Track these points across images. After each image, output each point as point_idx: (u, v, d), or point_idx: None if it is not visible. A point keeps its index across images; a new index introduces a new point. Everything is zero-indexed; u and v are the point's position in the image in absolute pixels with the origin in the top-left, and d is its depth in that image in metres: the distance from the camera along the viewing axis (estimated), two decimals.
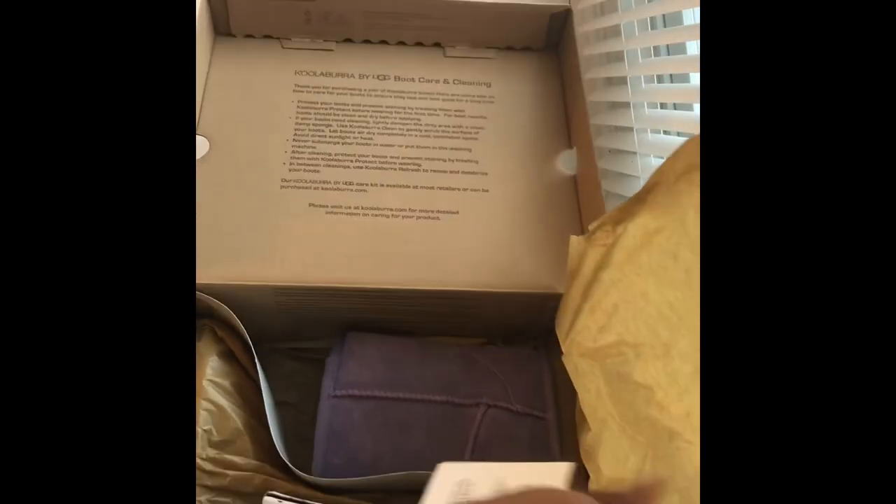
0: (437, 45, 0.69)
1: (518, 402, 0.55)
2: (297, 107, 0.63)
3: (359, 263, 0.55)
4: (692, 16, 0.65)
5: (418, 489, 0.52)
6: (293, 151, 0.61)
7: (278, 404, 0.59)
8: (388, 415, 0.54)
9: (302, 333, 0.61)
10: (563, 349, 0.55)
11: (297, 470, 0.51)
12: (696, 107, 0.63)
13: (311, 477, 0.51)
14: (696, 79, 0.64)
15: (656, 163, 0.68)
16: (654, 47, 0.69)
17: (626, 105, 0.67)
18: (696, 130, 0.56)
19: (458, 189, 0.60)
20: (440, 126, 0.64)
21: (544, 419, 0.55)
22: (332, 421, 0.54)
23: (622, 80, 0.67)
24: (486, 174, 0.61)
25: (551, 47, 0.70)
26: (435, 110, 0.65)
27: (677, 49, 0.68)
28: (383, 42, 0.69)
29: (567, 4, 0.67)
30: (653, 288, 0.48)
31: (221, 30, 0.67)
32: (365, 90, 0.65)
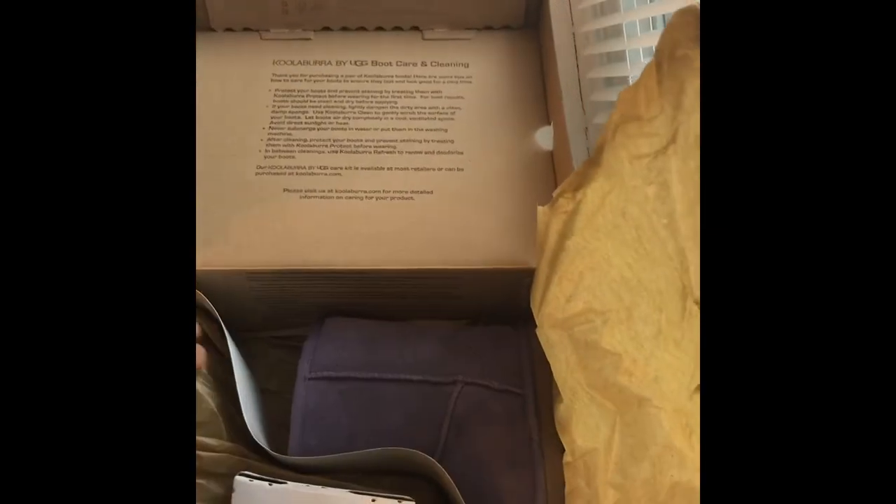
0: (416, 28, 0.69)
1: (495, 379, 0.55)
2: (274, 96, 0.64)
3: (330, 246, 0.55)
4: None
5: (392, 467, 0.52)
6: (269, 139, 0.61)
7: (262, 392, 0.59)
8: (364, 395, 0.54)
9: (282, 320, 0.61)
10: (537, 322, 0.54)
11: (270, 450, 0.51)
12: None
13: (285, 457, 0.51)
14: None
15: None
16: (654, 47, 0.68)
17: None
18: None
19: (433, 169, 0.60)
20: (416, 108, 0.64)
21: (522, 395, 0.55)
22: (308, 402, 0.54)
23: (623, 80, 0.66)
24: (462, 153, 0.61)
25: (530, 25, 0.69)
26: (412, 93, 0.65)
27: None
28: (361, 28, 0.69)
29: None
30: (612, 250, 0.47)
31: (202, 25, 0.68)
32: (342, 76, 0.65)
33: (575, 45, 0.66)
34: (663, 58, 0.42)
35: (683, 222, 0.40)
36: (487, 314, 0.61)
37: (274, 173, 0.59)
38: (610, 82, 0.68)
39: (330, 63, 0.66)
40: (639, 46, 0.67)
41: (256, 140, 0.61)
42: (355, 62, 0.67)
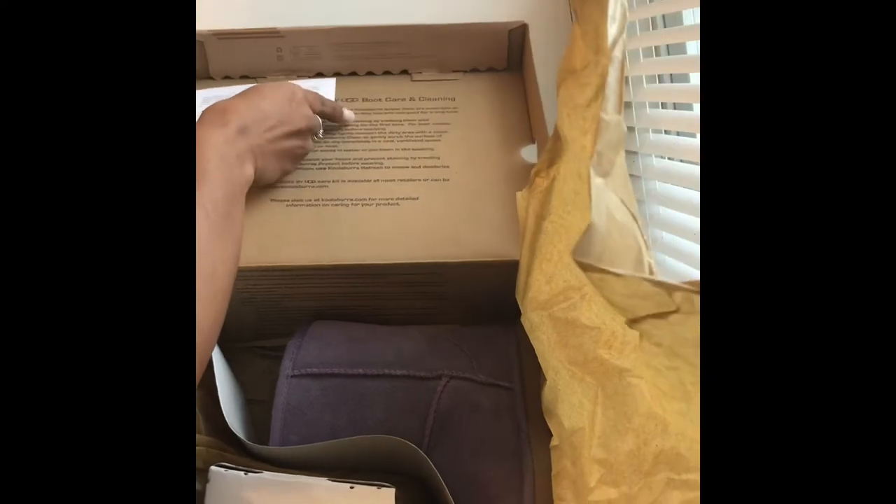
0: (405, 72, 0.72)
1: (482, 374, 0.53)
2: None
3: (317, 246, 0.55)
4: (692, 16, 0.66)
5: (373, 463, 0.49)
6: None
7: (249, 402, 0.57)
8: (346, 390, 0.52)
9: (269, 329, 0.60)
10: (521, 310, 0.53)
11: (248, 442, 0.49)
12: (696, 107, 0.63)
13: (264, 447, 0.48)
14: (695, 79, 0.65)
15: (658, 162, 0.69)
16: (655, 47, 0.70)
17: (627, 105, 0.68)
18: (697, 130, 0.57)
19: (419, 180, 0.61)
20: (404, 133, 0.65)
21: (510, 388, 0.52)
22: (290, 399, 0.52)
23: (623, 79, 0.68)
24: (448, 167, 0.62)
25: (514, 67, 0.73)
26: (400, 121, 0.67)
27: (677, 49, 0.69)
28: (353, 74, 0.72)
29: (523, 20, 0.70)
30: (580, 220, 0.46)
31: (201, 73, 0.71)
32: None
33: None
34: (576, 4, 0.44)
35: (586, 175, 0.41)
36: (475, 316, 0.59)
37: (260, 187, 0.60)
38: None
39: None
40: (638, 46, 0.69)
41: None
42: (346, 99, 0.69)
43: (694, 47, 0.64)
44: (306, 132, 0.58)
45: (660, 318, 0.37)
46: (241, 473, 0.46)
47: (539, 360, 0.51)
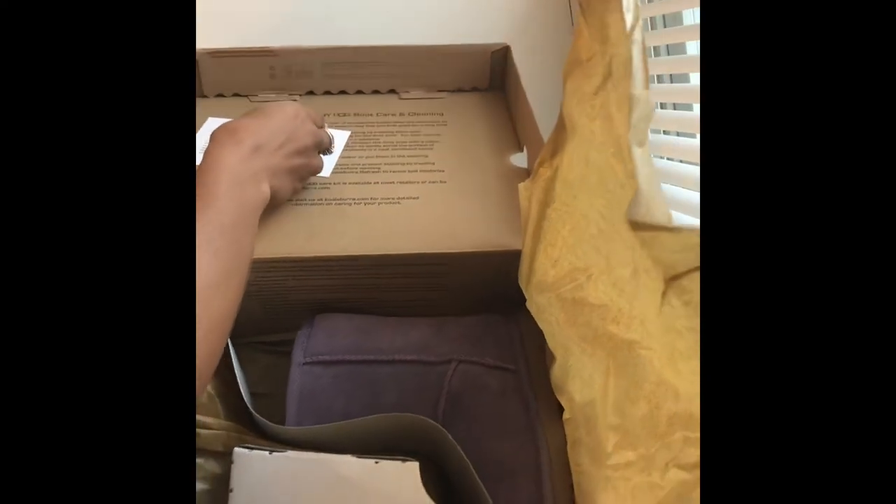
0: (393, 91, 0.76)
1: (489, 358, 0.54)
2: None
3: (322, 238, 0.57)
4: (692, 16, 0.68)
5: (388, 443, 0.50)
6: None
7: (254, 396, 0.57)
8: (358, 376, 0.53)
9: (272, 324, 0.61)
10: (526, 296, 0.55)
11: (268, 423, 0.49)
12: (696, 107, 0.64)
13: (283, 428, 0.49)
14: (695, 79, 0.66)
15: (658, 163, 0.70)
16: (654, 47, 0.72)
17: None
18: (697, 130, 0.59)
19: (417, 182, 0.63)
20: (398, 142, 0.68)
21: (515, 371, 0.54)
22: (303, 386, 0.52)
23: None
24: (443, 171, 0.65)
25: (497, 87, 0.77)
26: (392, 132, 0.70)
27: (677, 49, 0.71)
28: (343, 92, 0.75)
29: (505, 43, 0.74)
30: (586, 204, 0.49)
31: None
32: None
33: None
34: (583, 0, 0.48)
35: (626, 146, 0.44)
36: (475, 307, 0.61)
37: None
38: None
39: None
40: None
41: None
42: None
43: (694, 47, 0.65)
44: (312, 149, 0.58)
45: None
46: (266, 453, 0.47)
47: (547, 341, 0.53)
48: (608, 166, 0.46)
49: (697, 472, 0.40)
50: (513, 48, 0.74)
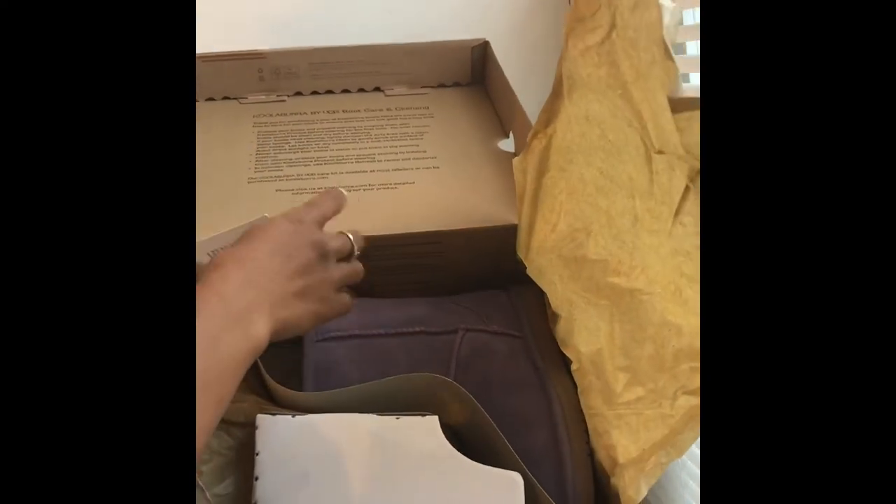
0: (378, 89, 0.78)
1: (494, 325, 0.57)
2: (258, 135, 0.70)
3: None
4: (692, 16, 0.68)
5: (406, 404, 0.52)
6: (256, 161, 0.66)
7: None
8: (370, 349, 0.55)
9: None
10: (526, 263, 0.58)
11: (287, 390, 0.50)
12: None
13: (302, 394, 0.50)
14: (696, 79, 0.65)
15: None
16: None
17: None
18: None
19: (412, 169, 0.66)
20: (388, 135, 0.71)
21: (522, 337, 0.57)
22: (318, 361, 0.54)
23: None
24: (435, 157, 0.67)
25: (478, 82, 0.80)
26: (382, 126, 0.72)
27: (677, 49, 0.71)
28: (329, 92, 0.78)
29: (484, 38, 0.78)
30: (584, 164, 0.52)
31: None
32: (317, 120, 0.73)
33: None
34: None
35: (635, 87, 0.47)
36: (467, 288, 0.63)
37: (265, 181, 0.64)
38: None
39: (305, 113, 0.74)
40: None
41: (245, 163, 0.66)
42: (327, 111, 0.74)
43: (694, 47, 0.66)
44: (320, 261, 0.47)
45: None
46: (289, 416, 0.48)
47: (550, 299, 0.55)
48: (613, 111, 0.48)
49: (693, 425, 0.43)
50: (493, 42, 0.77)
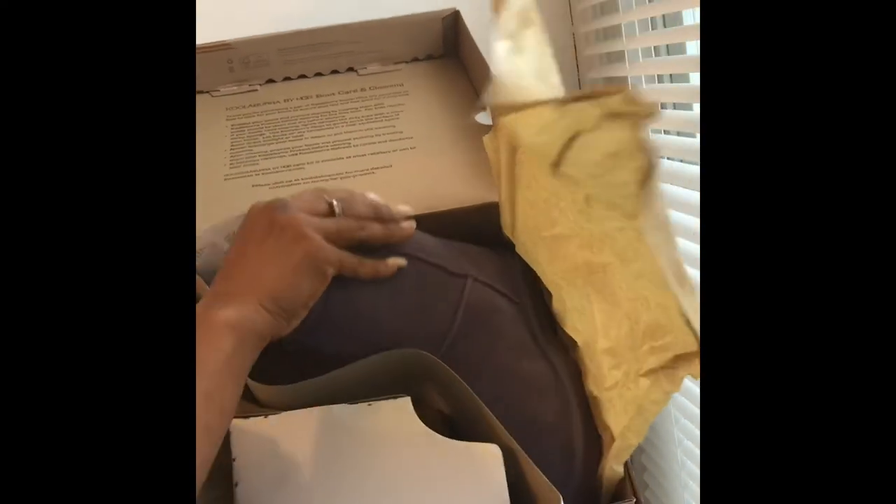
0: (351, 69, 0.77)
1: (497, 284, 0.56)
2: (231, 128, 0.70)
3: None
4: (692, 16, 0.67)
5: (382, 384, 0.51)
6: (231, 157, 0.66)
7: None
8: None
9: None
10: (514, 242, 0.57)
11: (257, 384, 0.49)
12: (696, 107, 0.63)
13: (275, 388, 0.49)
14: (695, 79, 0.64)
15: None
16: (654, 47, 0.71)
17: None
18: (697, 130, 0.60)
19: (388, 151, 0.65)
20: (363, 116, 0.70)
21: (520, 304, 0.56)
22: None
23: (623, 81, 0.70)
24: (412, 137, 0.67)
25: (451, 53, 0.78)
26: (357, 108, 0.71)
27: (677, 49, 0.70)
28: (302, 76, 0.76)
29: (454, 8, 0.76)
30: (546, 137, 0.51)
31: None
32: (290, 108, 0.72)
33: (575, 46, 0.69)
34: None
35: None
36: None
37: (241, 177, 0.63)
38: (610, 82, 0.72)
39: (278, 101, 0.73)
40: (638, 46, 0.70)
41: (221, 159, 0.66)
42: (301, 97, 0.73)
43: (694, 47, 0.64)
44: (273, 214, 0.47)
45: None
46: (261, 418, 0.49)
47: (542, 281, 0.55)
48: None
49: (654, 377, 0.43)
50: (464, 11, 0.76)
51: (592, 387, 0.51)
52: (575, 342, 0.53)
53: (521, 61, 0.43)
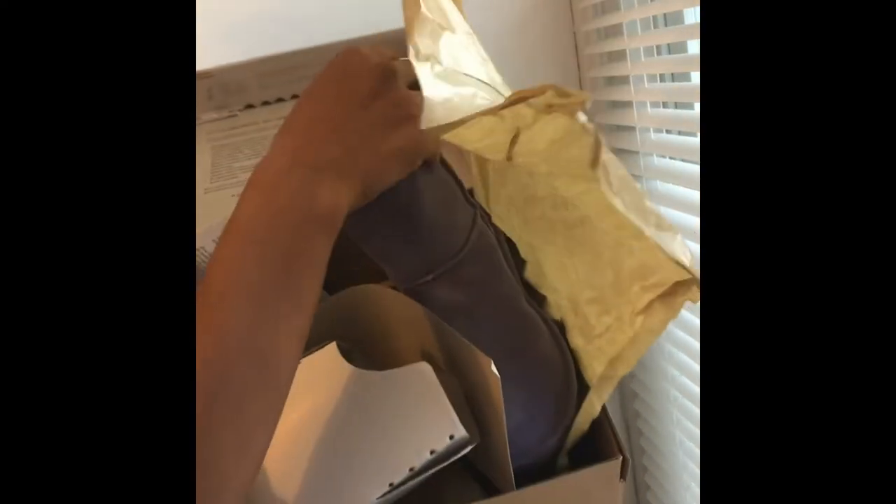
0: None
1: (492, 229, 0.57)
2: (212, 148, 0.72)
3: None
4: (693, 15, 0.69)
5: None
6: (212, 174, 0.68)
7: None
8: None
9: None
10: (489, 211, 0.59)
11: None
12: (697, 106, 0.65)
13: None
14: (696, 78, 0.66)
15: (659, 161, 0.72)
16: (655, 46, 0.72)
17: (628, 104, 0.70)
18: (697, 129, 0.61)
19: None
20: None
21: (504, 255, 0.57)
22: None
23: (624, 80, 0.71)
24: None
25: None
26: None
27: (677, 48, 0.71)
28: (280, 100, 0.79)
29: None
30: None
31: None
32: (269, 127, 0.74)
33: (576, 45, 0.69)
34: None
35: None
36: None
37: (221, 189, 0.65)
38: (611, 81, 0.73)
39: (258, 123, 0.76)
40: (639, 45, 0.71)
41: (202, 176, 0.68)
42: (279, 118, 0.75)
43: (694, 46, 0.65)
44: (383, 87, 0.43)
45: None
46: None
47: (518, 247, 0.56)
48: None
49: (650, 308, 0.44)
50: None
51: (579, 340, 0.51)
52: (555, 302, 0.54)
53: (443, 80, 0.42)
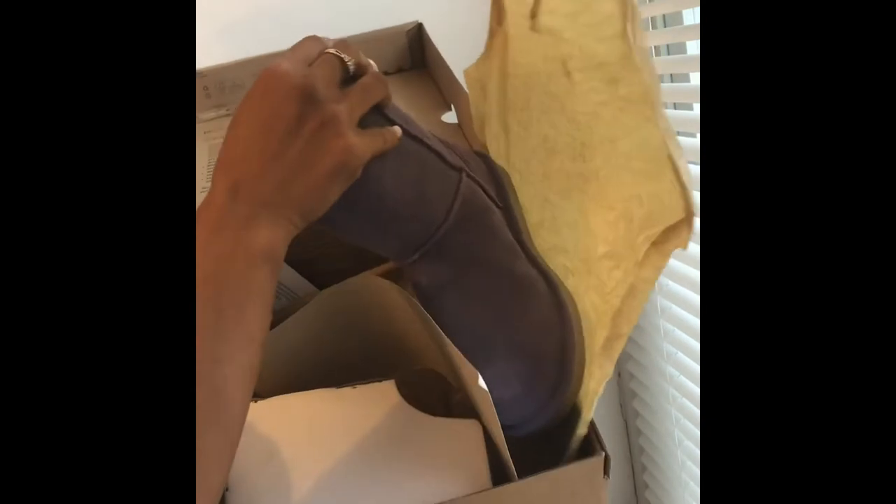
0: None
1: (485, 185, 0.55)
2: (209, 149, 0.72)
3: None
4: (692, 15, 0.69)
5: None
6: (208, 171, 0.68)
7: None
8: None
9: None
10: (508, 168, 0.58)
11: None
12: (696, 106, 0.66)
13: None
14: (695, 78, 0.66)
15: None
16: (655, 47, 0.73)
17: None
18: (697, 130, 0.61)
19: None
20: None
21: (504, 209, 0.56)
22: None
23: None
24: None
25: (418, 65, 0.81)
26: None
27: (677, 49, 0.72)
28: None
29: (417, 20, 0.79)
30: (537, 53, 0.53)
31: None
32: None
33: None
34: None
35: None
36: None
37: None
38: None
39: None
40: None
41: (198, 173, 0.68)
42: None
43: (694, 47, 0.66)
44: (307, 105, 0.40)
45: None
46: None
47: (528, 204, 0.56)
48: None
49: (645, 257, 0.44)
50: (428, 24, 0.79)
51: (595, 297, 0.50)
52: (568, 261, 0.53)
53: None
